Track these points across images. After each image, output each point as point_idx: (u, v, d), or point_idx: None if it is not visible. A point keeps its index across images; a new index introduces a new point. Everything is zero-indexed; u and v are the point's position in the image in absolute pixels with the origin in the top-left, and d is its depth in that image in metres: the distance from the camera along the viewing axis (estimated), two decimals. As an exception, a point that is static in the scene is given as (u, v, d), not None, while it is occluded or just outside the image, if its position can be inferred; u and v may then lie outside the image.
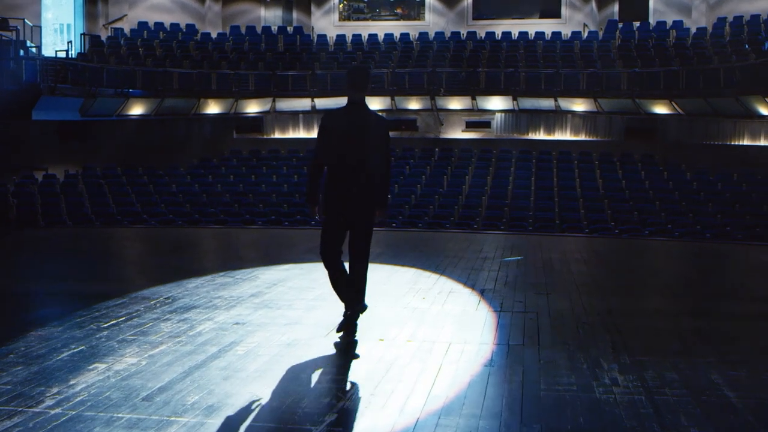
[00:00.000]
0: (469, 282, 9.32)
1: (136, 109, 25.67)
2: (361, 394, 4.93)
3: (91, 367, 5.40)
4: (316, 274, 8.27)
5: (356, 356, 5.87)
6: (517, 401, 4.80)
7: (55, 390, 4.87)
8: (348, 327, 6.30)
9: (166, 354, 5.77)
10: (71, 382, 5.03)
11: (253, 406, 4.65)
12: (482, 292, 8.62)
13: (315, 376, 5.35)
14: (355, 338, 6.29)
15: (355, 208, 6.24)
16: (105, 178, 23.11)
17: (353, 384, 5.16)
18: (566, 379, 5.28)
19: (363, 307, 6.51)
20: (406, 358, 5.75)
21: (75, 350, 5.85)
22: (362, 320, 6.76)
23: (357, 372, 5.43)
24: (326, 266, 6.33)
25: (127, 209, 20.18)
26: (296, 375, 5.37)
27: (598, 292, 9.22)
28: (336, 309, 6.72)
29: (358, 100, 6.32)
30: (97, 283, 9.38)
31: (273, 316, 7.19)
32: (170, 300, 7.88)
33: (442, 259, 11.56)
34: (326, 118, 6.41)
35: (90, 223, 18.92)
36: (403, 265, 10.71)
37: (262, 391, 4.92)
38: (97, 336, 6.31)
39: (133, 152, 24.54)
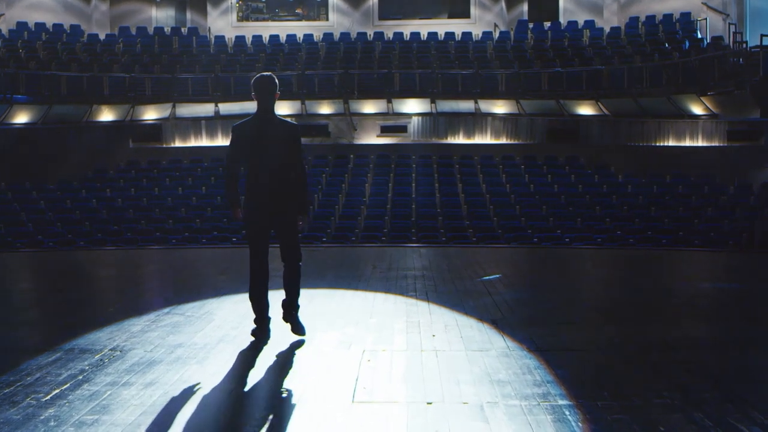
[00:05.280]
0: (469, 310, 7.88)
1: (21, 117, 23.22)
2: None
3: (52, 478, 3.67)
4: (276, 308, 6.70)
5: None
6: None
7: None
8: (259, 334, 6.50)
9: (153, 446, 4.09)
10: None
11: None
12: (495, 324, 7.17)
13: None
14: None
15: (275, 215, 6.39)
16: (-12, 194, 20.64)
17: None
18: (719, 457, 3.89)
19: (302, 330, 6.56)
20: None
21: (18, 447, 4.09)
22: (384, 371, 5.52)
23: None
24: (253, 276, 6.50)
25: (18, 230, 17.86)
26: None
27: (626, 318, 7.89)
28: (339, 360, 5.82)
29: (266, 108, 6.40)
30: (12, 330, 7.38)
31: (259, 373, 5.58)
32: (119, 352, 6.12)
33: (412, 280, 10.09)
34: (236, 129, 6.49)
35: (-24, 247, 16.54)
36: (374, 290, 9.24)
37: None
38: (42, 418, 4.54)
39: (19, 165, 22.07)
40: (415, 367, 5.66)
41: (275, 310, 6.69)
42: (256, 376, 5.53)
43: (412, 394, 4.99)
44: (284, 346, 6.31)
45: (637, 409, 4.71)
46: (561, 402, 4.84)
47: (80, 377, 5.39)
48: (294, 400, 4.95)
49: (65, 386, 5.17)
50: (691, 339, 6.92)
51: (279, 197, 6.37)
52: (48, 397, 4.92)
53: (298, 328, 6.59)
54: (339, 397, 4.96)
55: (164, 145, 24.69)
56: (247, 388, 5.23)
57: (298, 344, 6.37)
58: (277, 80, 6.51)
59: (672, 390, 5.12)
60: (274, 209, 6.39)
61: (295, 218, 6.47)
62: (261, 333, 6.52)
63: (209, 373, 5.51)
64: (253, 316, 6.63)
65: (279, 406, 4.88)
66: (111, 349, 6.21)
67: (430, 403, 4.81)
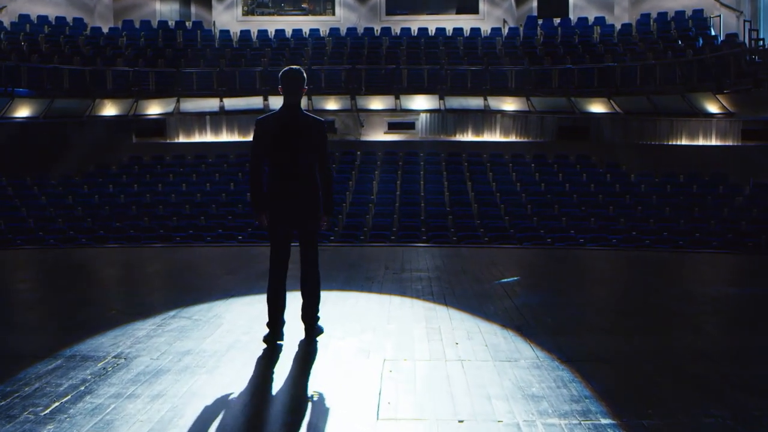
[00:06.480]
0: (491, 315, 7.49)
1: (23, 111, 22.83)
2: None
3: None
4: (291, 311, 6.37)
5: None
6: None
7: None
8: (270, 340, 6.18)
9: (163, 470, 3.71)
10: None
11: None
12: (520, 331, 6.78)
13: None
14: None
15: (298, 213, 6.17)
16: (-12, 189, 20.26)
17: None
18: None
19: (319, 330, 6.35)
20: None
21: (14, 470, 3.70)
22: (407, 383, 5.12)
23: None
24: (272, 277, 6.22)
25: (18, 226, 17.49)
26: None
27: (653, 324, 7.49)
28: (359, 370, 5.44)
29: (292, 103, 6.19)
30: (10, 334, 6.99)
31: (274, 384, 5.20)
32: (123, 359, 5.74)
33: (427, 282, 9.70)
34: (260, 123, 6.26)
35: (-25, 244, 16.15)
36: (389, 293, 8.84)
37: None
38: (41, 435, 4.17)
39: (20, 159, 21.69)
40: (441, 379, 5.28)
41: (290, 314, 6.32)
42: (270, 388, 5.16)
43: (441, 410, 4.62)
44: (299, 354, 5.95)
45: (686, 429, 4.33)
46: (603, 420, 4.46)
47: (82, 388, 5.02)
48: (314, 416, 4.58)
49: (66, 398, 4.81)
50: (728, 348, 6.54)
51: (303, 195, 6.14)
52: (47, 411, 4.56)
53: (313, 333, 6.35)
54: (362, 413, 4.58)
55: (168, 141, 24.34)
56: (261, 403, 4.84)
57: (314, 352, 6.00)
58: (305, 74, 6.25)
59: (720, 407, 4.73)
60: (298, 208, 6.16)
61: (318, 218, 6.23)
62: (274, 339, 6.19)
63: (220, 384, 5.14)
64: (265, 320, 6.26)
65: (297, 422, 4.50)
66: (115, 356, 5.84)
67: (461, 422, 4.44)
